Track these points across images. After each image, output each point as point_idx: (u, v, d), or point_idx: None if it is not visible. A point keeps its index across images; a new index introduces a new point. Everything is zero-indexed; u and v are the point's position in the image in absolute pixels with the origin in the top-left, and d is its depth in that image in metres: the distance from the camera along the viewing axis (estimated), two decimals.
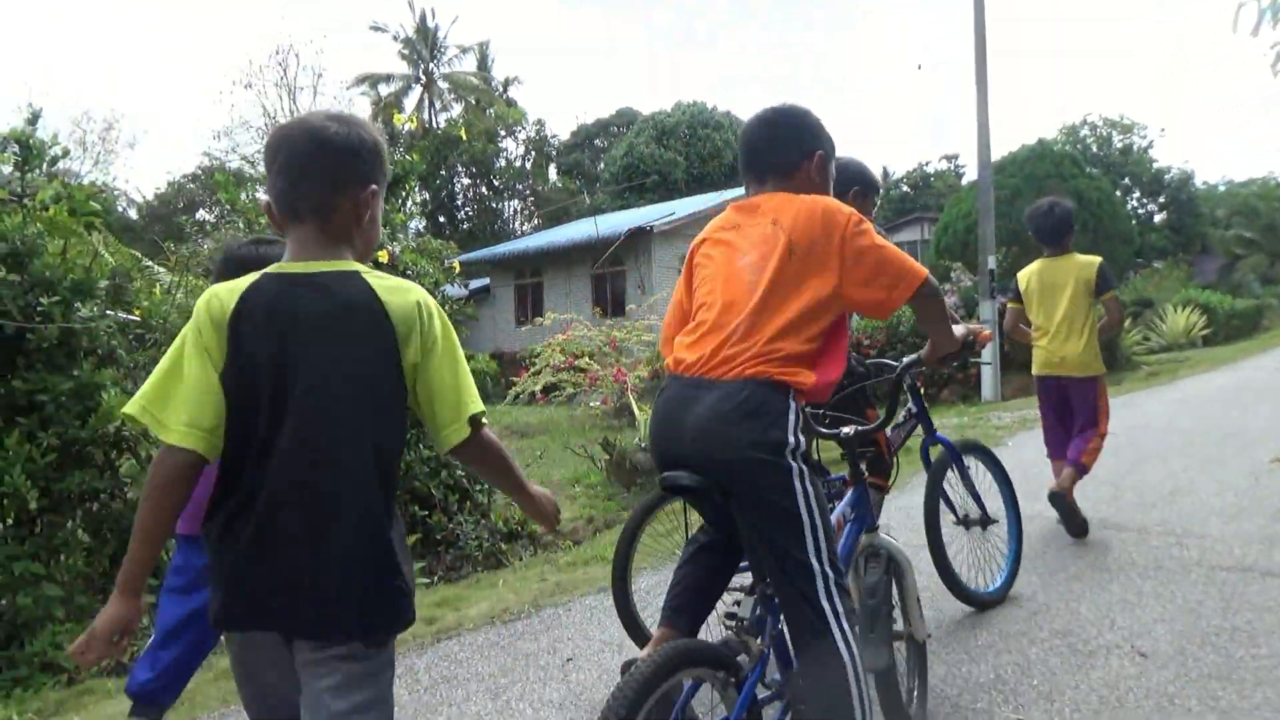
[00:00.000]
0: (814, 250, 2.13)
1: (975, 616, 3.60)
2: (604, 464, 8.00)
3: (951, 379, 14.15)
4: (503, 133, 42.10)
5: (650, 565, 4.07)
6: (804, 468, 2.02)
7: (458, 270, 6.26)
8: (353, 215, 1.66)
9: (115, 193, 30.48)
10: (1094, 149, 37.54)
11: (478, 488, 6.24)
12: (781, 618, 2.10)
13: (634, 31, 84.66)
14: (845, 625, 1.99)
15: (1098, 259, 4.97)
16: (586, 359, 13.18)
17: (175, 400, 1.55)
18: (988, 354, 13.45)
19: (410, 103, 40.78)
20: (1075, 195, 20.69)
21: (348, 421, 1.57)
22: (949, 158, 50.72)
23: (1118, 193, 28.91)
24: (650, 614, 3.09)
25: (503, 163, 43.39)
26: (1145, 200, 38.08)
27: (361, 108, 43.35)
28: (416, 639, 3.69)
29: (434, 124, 39.86)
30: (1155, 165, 37.65)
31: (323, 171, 1.63)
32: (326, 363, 1.56)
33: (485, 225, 41.58)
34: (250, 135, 31.92)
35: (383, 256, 5.50)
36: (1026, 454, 7.19)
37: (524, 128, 43.99)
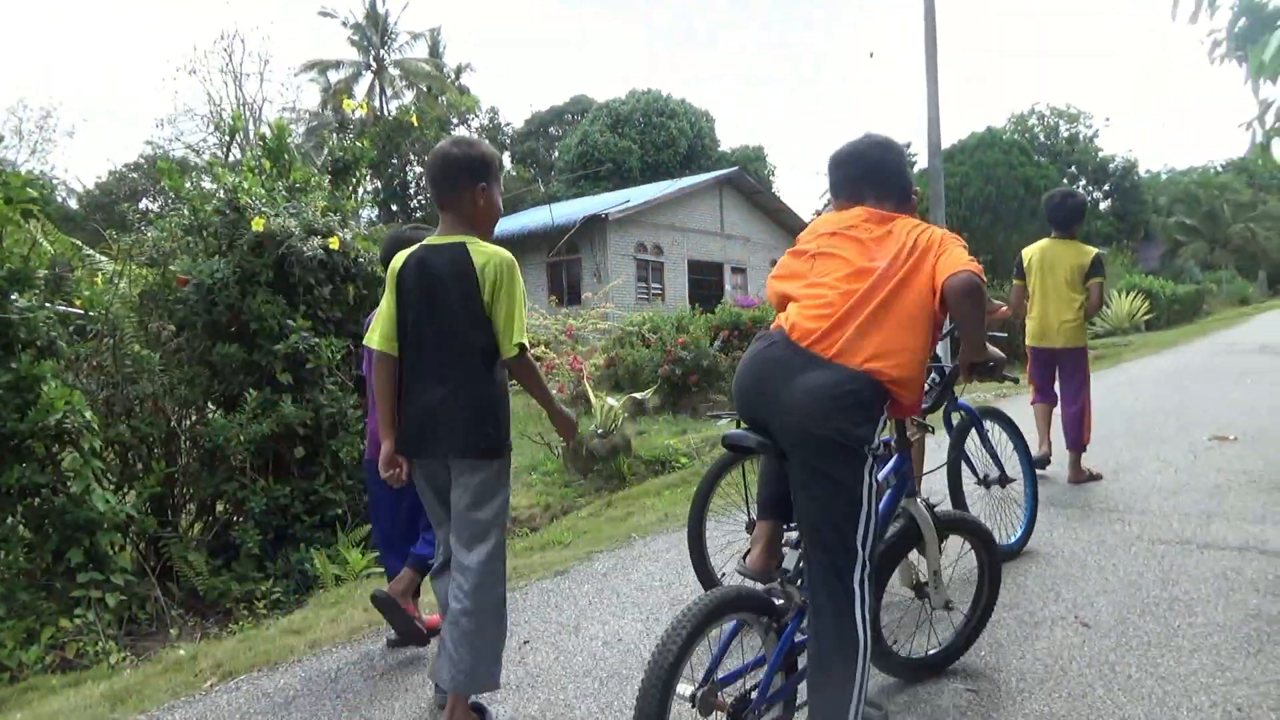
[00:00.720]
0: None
1: None
2: (560, 451, 8.00)
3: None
4: (455, 120, 41.65)
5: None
6: (874, 463, 2.21)
7: None
8: (471, 205, 2.69)
9: (55, 182, 29.67)
10: (1041, 138, 38.24)
11: None
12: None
13: (589, 19, 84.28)
14: (867, 613, 2.20)
15: (1095, 250, 5.54)
16: (542, 347, 13.15)
17: (378, 325, 2.68)
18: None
19: (361, 90, 40.17)
20: (1023, 183, 21.11)
21: (459, 331, 2.58)
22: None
23: (1064, 180, 29.46)
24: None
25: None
26: (1090, 188, 38.91)
27: (310, 95, 42.70)
28: (372, 625, 3.67)
29: (385, 111, 39.31)
30: (1100, 154, 38.47)
31: (448, 180, 2.68)
32: (447, 297, 2.58)
33: (438, 213, 41.18)
34: (195, 123, 31.25)
35: (334, 243, 5.42)
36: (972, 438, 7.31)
37: (477, 115, 43.59)
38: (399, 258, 2.68)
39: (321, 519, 5.32)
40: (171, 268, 5.49)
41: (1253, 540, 4.07)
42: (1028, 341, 5.65)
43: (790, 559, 2.41)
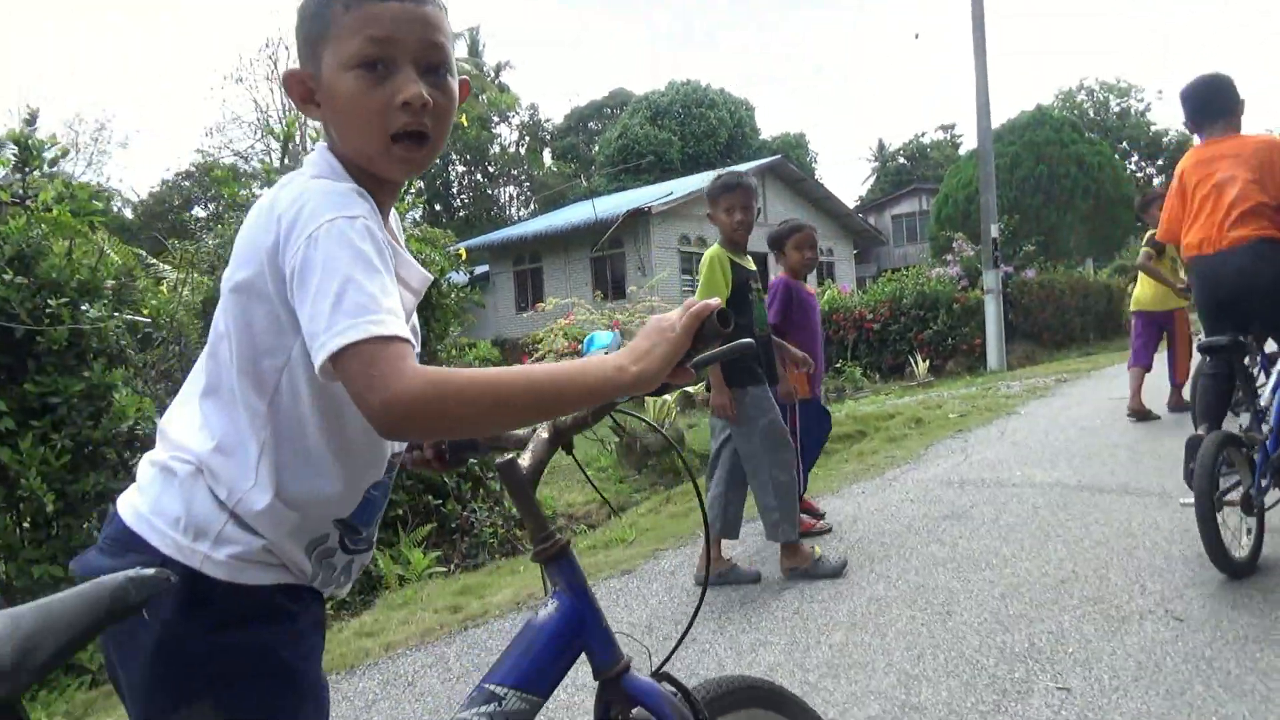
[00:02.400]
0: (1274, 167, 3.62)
1: (1004, 587, 3.57)
2: (614, 447, 7.98)
3: (956, 350, 14.13)
4: (496, 119, 41.85)
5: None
6: None
7: (464, 257, 6.21)
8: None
9: (111, 192, 30.37)
10: (1091, 113, 37.34)
11: (490, 475, 6.22)
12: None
13: (627, 13, 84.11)
14: None
15: None
16: None
17: None
18: (991, 318, 13.40)
19: None
20: (1075, 161, 20.62)
21: None
22: (945, 128, 50.49)
23: (1118, 158, 28.72)
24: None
25: (497, 149, 43.20)
26: (1144, 163, 37.92)
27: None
28: (444, 627, 3.68)
29: None
30: (1153, 128, 37.46)
31: None
32: None
33: (481, 212, 41.46)
34: (243, 130, 31.77)
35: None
36: (1039, 423, 7.17)
37: (517, 113, 43.77)
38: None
39: (384, 519, 5.36)
40: None
41: None
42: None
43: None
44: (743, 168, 28.33)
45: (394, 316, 0.98)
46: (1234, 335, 3.64)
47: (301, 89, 1.16)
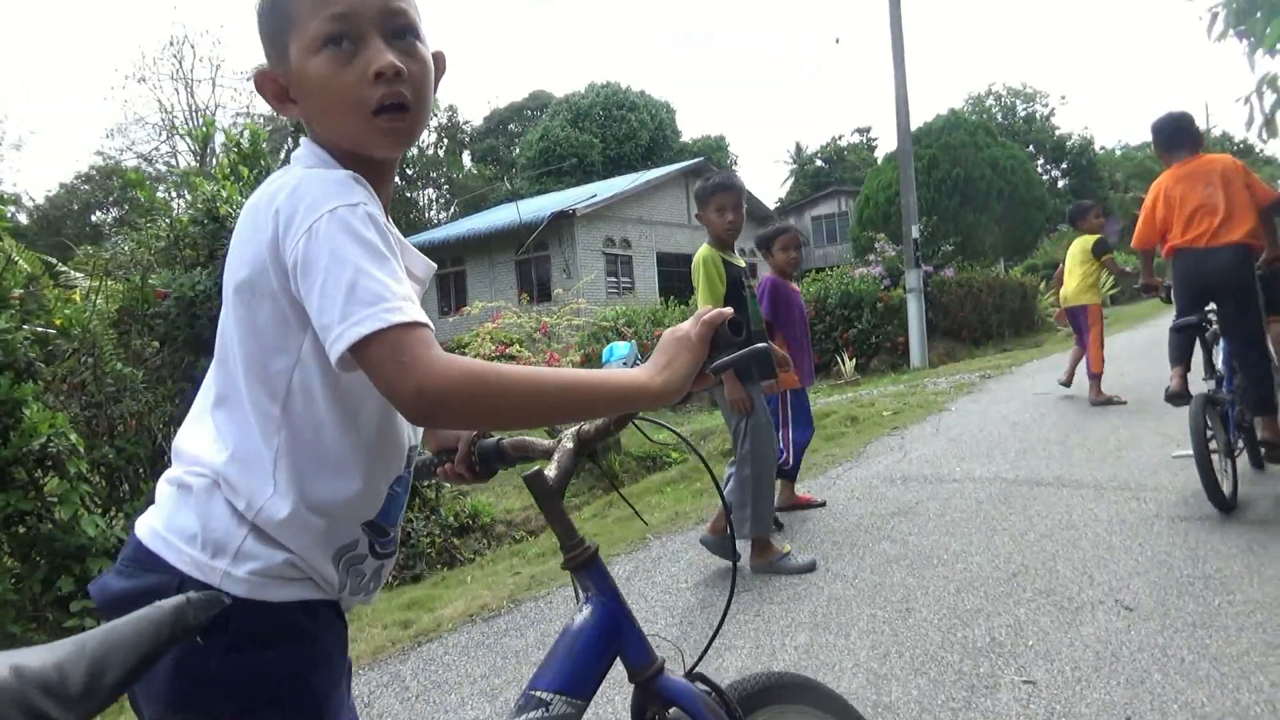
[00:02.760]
0: (1236, 183, 4.43)
1: (958, 582, 3.61)
2: None
3: (880, 348, 14.39)
4: None
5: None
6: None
7: None
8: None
9: (8, 196, 28.83)
10: (999, 118, 38.60)
11: (425, 484, 6.07)
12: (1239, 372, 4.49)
13: (545, 14, 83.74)
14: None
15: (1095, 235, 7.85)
16: (517, 346, 12.98)
17: None
18: (913, 317, 13.70)
19: None
20: (990, 164, 21.25)
21: None
22: (861, 131, 51.57)
23: (1030, 161, 29.76)
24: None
25: (415, 151, 42.51)
26: (1049, 166, 39.38)
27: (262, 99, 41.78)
28: (395, 644, 3.54)
29: None
30: (1057, 132, 38.93)
31: None
32: None
33: (400, 215, 40.72)
34: (146, 132, 30.58)
35: None
36: (971, 419, 7.32)
37: (435, 114, 43.10)
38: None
39: None
40: (150, 281, 5.30)
41: (1273, 515, 4.06)
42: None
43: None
44: (665, 170, 28.48)
45: (410, 303, 0.95)
46: (1202, 316, 4.53)
47: (274, 87, 1.12)
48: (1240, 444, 4.56)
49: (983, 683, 2.75)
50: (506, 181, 38.64)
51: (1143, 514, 4.26)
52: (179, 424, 3.73)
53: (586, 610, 1.32)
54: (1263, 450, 4.66)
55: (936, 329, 15.19)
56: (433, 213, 43.21)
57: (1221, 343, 4.71)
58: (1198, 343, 4.59)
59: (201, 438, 1.10)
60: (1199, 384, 4.58)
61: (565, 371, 1.03)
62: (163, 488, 1.12)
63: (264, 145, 6.47)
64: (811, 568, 3.92)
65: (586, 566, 1.34)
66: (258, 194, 1.06)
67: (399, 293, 0.95)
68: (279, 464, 1.05)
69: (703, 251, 4.03)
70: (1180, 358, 4.61)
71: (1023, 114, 39.60)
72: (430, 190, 44.21)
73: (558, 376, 1.01)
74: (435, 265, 1.26)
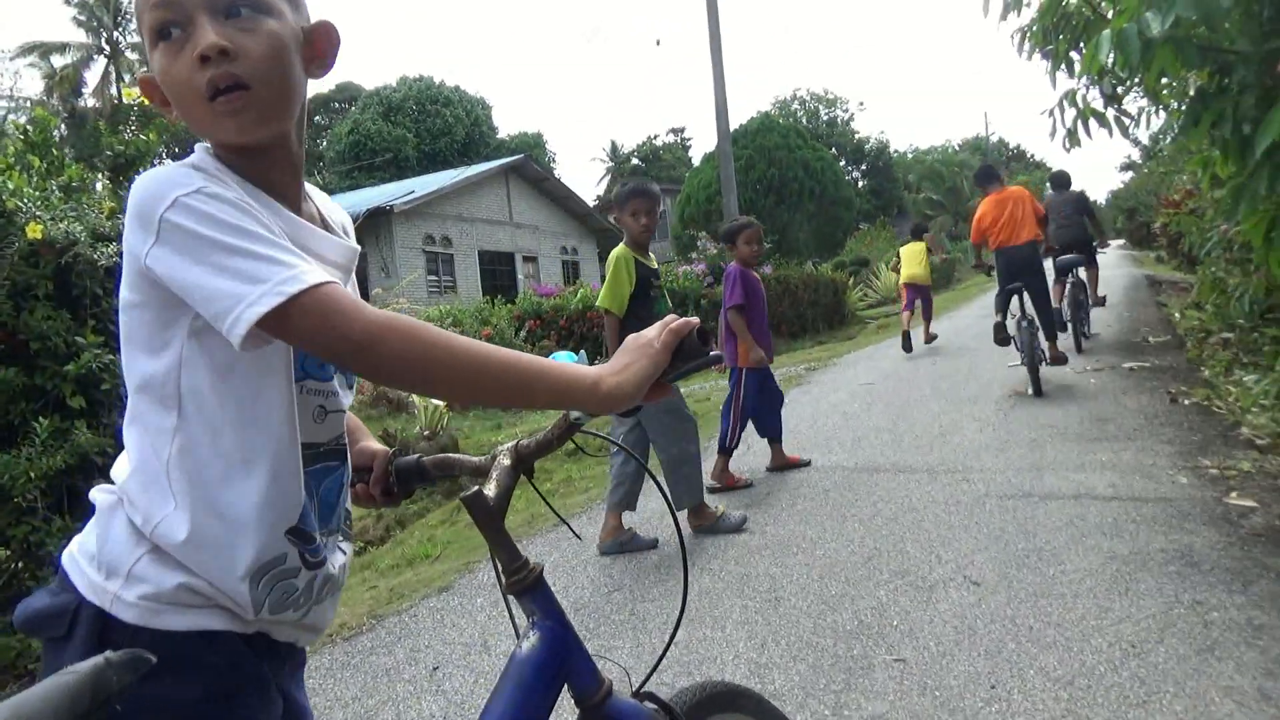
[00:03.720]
0: (1025, 205, 7.83)
1: (819, 569, 3.74)
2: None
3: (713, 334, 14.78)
4: None
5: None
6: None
7: None
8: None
9: None
10: (804, 121, 40.59)
11: None
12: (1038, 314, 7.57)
13: (352, 4, 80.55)
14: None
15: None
16: None
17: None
18: None
19: (93, 75, 36.29)
20: (802, 165, 22.27)
21: None
22: (675, 130, 52.75)
23: (839, 162, 31.40)
24: None
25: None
26: (850, 168, 41.77)
27: (31, 81, 38.07)
28: None
29: (122, 100, 35.70)
30: (857, 136, 41.37)
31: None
32: None
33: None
34: None
35: None
36: (805, 410, 7.62)
37: None
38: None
39: None
40: None
41: (1082, 488, 4.45)
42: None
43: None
44: (485, 166, 28.07)
45: (296, 267, 0.92)
46: (1016, 285, 7.54)
47: (156, 92, 1.07)
48: (1041, 355, 7.27)
49: (858, 664, 2.85)
50: (316, 175, 36.84)
51: (974, 494, 4.57)
52: None
53: (534, 637, 1.21)
54: (1047, 359, 7.79)
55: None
56: None
57: (1026, 298, 7.50)
58: (1014, 300, 7.49)
59: (121, 456, 1.07)
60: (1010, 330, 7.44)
61: (510, 351, 1.00)
62: None
63: (55, 134, 5.85)
64: (743, 523, 4.42)
65: (532, 589, 1.23)
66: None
67: (283, 260, 0.92)
68: (172, 476, 1.00)
69: (618, 251, 4.32)
70: (1002, 308, 7.60)
71: (825, 118, 41.85)
72: None
73: (504, 353, 0.98)
74: (357, 248, 1.19)
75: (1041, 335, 7.38)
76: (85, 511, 3.48)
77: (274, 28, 1.03)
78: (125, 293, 1.01)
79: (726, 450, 5.41)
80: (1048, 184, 10.79)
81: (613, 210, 4.55)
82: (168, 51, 1.00)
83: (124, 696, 0.68)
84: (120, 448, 1.11)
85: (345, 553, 1.18)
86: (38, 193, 4.95)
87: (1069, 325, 9.01)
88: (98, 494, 1.07)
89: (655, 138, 53.47)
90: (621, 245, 4.37)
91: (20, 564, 4.60)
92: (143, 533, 1.00)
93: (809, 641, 3.04)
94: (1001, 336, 7.42)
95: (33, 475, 4.31)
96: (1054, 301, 8.46)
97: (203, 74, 0.98)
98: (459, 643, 3.35)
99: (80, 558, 1.03)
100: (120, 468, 1.06)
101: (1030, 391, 6.85)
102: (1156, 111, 5.71)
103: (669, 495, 3.88)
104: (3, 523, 4.44)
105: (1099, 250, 10.51)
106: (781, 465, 5.61)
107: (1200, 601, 3.03)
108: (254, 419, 1.02)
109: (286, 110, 1.06)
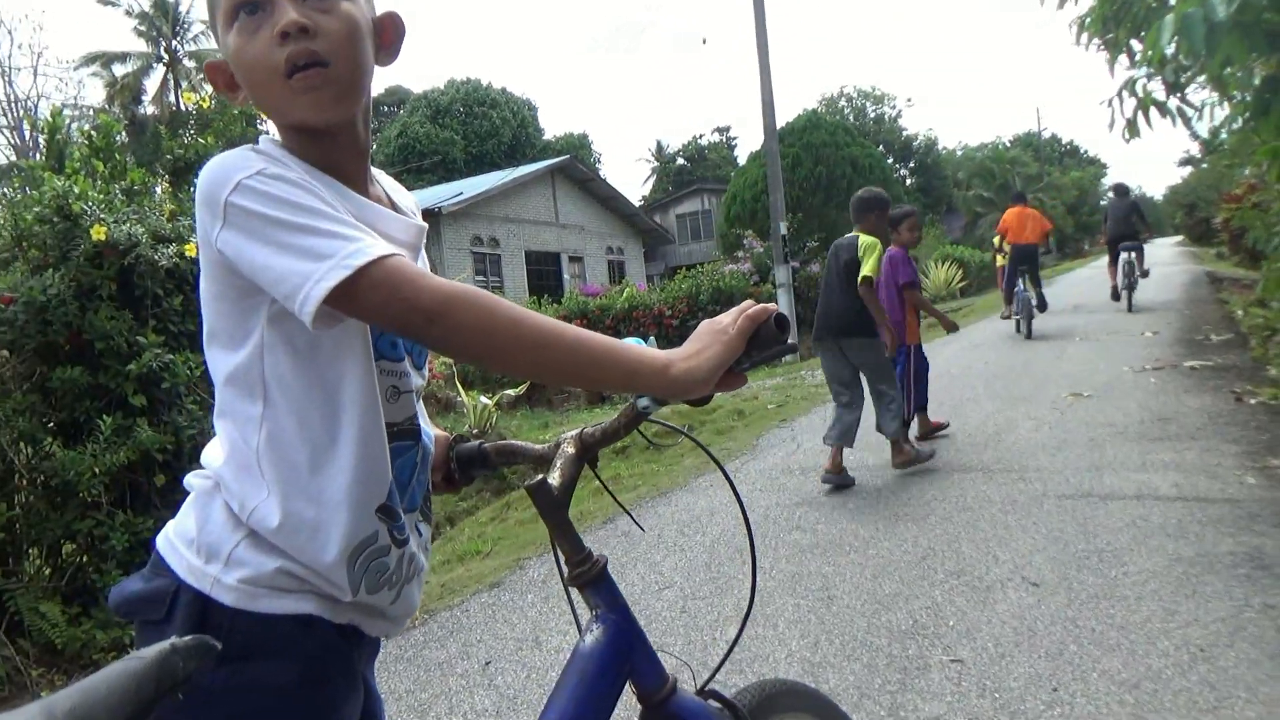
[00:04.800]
0: (1034, 220, 11.84)
1: (872, 568, 3.69)
2: None
3: None
4: (263, 116, 39.21)
5: None
6: None
7: None
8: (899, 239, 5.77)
9: None
10: (851, 118, 40.21)
11: None
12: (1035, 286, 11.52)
13: (400, 6, 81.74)
14: None
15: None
16: None
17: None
18: (784, 311, 14.06)
19: (152, 84, 37.22)
20: (850, 162, 22.06)
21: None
22: (721, 130, 52.56)
23: (888, 160, 31.07)
24: None
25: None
26: (897, 165, 41.29)
27: (94, 90, 39.25)
28: None
29: (180, 106, 36.54)
30: (904, 133, 40.87)
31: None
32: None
33: None
34: None
35: (191, 250, 4.91)
36: None
37: None
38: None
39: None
40: None
41: (1144, 488, 4.34)
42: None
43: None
44: (532, 168, 28.25)
45: (361, 240, 0.93)
46: (1023, 268, 11.25)
47: (222, 76, 1.08)
48: (1034, 311, 11.00)
49: (913, 664, 2.81)
50: None
51: (1030, 493, 4.47)
52: (31, 441, 3.26)
53: (597, 630, 1.19)
54: (1037, 311, 11.24)
55: (805, 322, 15.65)
56: None
57: (1027, 277, 11.16)
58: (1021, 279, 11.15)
59: (213, 442, 1.09)
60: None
61: (580, 329, 0.98)
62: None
63: (118, 139, 6.02)
64: (933, 455, 5.37)
65: (596, 582, 1.20)
66: None
67: (347, 234, 0.93)
68: (263, 463, 1.01)
69: (875, 244, 5.13)
70: (1012, 281, 11.53)
71: (873, 115, 41.44)
72: None
73: (574, 331, 0.97)
74: (424, 225, 1.19)
75: (1034, 297, 11.09)
76: (146, 506, 3.55)
77: (350, 9, 1.04)
78: (204, 284, 1.03)
79: (910, 418, 5.87)
80: (1110, 191, 13.37)
81: (871, 221, 5.28)
82: (245, 30, 1.01)
83: (188, 684, 0.67)
84: (194, 442, 1.14)
85: (423, 533, 1.19)
86: (101, 196, 5.08)
87: (1122, 294, 12.52)
88: (194, 479, 1.08)
89: (701, 137, 53.41)
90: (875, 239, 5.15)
91: (85, 558, 4.73)
92: (240, 518, 1.02)
93: (863, 641, 3.00)
94: (1008, 298, 11.76)
95: (97, 471, 4.43)
96: (1110, 279, 13.24)
97: (282, 50, 0.99)
98: (510, 638, 3.37)
99: (178, 541, 1.04)
100: (213, 453, 1.08)
101: (1023, 335, 10.74)
102: (1220, 103, 5.55)
103: (880, 423, 5.18)
104: (70, 518, 4.56)
105: (1145, 241, 13.52)
106: (928, 432, 6.04)
107: (1272, 605, 2.94)
108: (338, 400, 1.03)
109: (359, 91, 1.07)
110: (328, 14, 1.02)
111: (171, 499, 4.80)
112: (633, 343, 1.28)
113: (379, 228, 1.04)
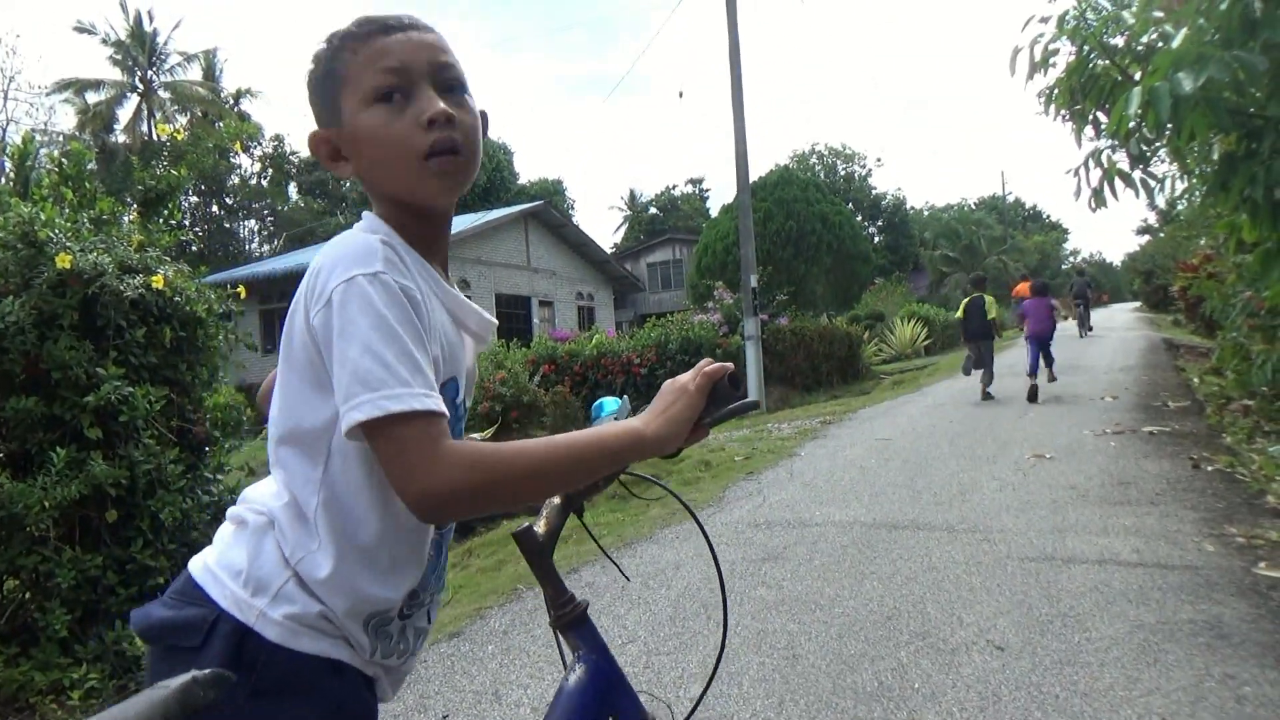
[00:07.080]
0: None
1: (838, 627, 3.67)
2: None
3: None
4: (236, 149, 39.05)
5: None
6: None
7: (243, 295, 5.62)
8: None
9: None
10: (821, 175, 40.94)
11: None
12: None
13: None
14: None
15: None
16: None
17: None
18: (751, 363, 14.15)
19: (125, 113, 36.97)
20: (820, 218, 22.41)
21: None
22: (694, 181, 53.22)
23: (857, 217, 31.58)
24: None
25: (236, 180, 40.44)
26: (866, 223, 42.00)
27: (65, 117, 38.99)
28: None
29: (153, 136, 36.32)
30: (874, 191, 41.66)
31: None
32: None
33: (218, 247, 38.48)
34: None
35: (158, 282, 4.84)
36: (821, 464, 7.55)
37: (260, 143, 41.15)
38: None
39: (140, 590, 4.69)
40: None
41: (1106, 553, 4.37)
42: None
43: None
44: (505, 211, 28.35)
45: (409, 387, 0.95)
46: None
47: (327, 147, 1.15)
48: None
49: None
50: (339, 215, 37.27)
51: (995, 555, 4.49)
52: None
53: (579, 670, 1.27)
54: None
55: (771, 375, 15.73)
56: (254, 245, 41.11)
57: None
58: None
59: (266, 482, 1.13)
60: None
61: (558, 440, 1.03)
62: (224, 526, 1.14)
63: (88, 167, 5.96)
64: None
65: (578, 624, 1.30)
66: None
67: (401, 376, 0.95)
68: (319, 521, 1.05)
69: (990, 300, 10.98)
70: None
71: (843, 173, 42.22)
72: (253, 222, 42.10)
73: (558, 446, 1.01)
74: (494, 321, 1.26)
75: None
76: (96, 542, 3.42)
77: (475, 110, 1.15)
78: (288, 345, 1.07)
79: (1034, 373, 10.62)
80: (1075, 273, 14.40)
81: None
82: (387, 111, 1.08)
83: (201, 715, 0.69)
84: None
85: (431, 616, 1.24)
86: (69, 224, 5.00)
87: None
88: (246, 513, 1.10)
89: (674, 187, 54.01)
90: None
91: (28, 594, 4.57)
92: (289, 560, 1.05)
93: (828, 702, 2.97)
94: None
95: (46, 505, 4.29)
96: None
97: (426, 136, 1.07)
98: (469, 690, 3.29)
99: (221, 572, 1.06)
100: (265, 492, 1.11)
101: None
102: (1181, 176, 5.72)
103: (984, 375, 11.05)
104: (14, 552, 4.41)
105: (1095, 305, 15.79)
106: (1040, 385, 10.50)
107: (1232, 675, 2.95)
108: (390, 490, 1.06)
109: (471, 181, 1.15)
110: (462, 109, 1.11)
111: (123, 535, 4.66)
112: (608, 404, 1.33)
113: (460, 317, 1.14)
